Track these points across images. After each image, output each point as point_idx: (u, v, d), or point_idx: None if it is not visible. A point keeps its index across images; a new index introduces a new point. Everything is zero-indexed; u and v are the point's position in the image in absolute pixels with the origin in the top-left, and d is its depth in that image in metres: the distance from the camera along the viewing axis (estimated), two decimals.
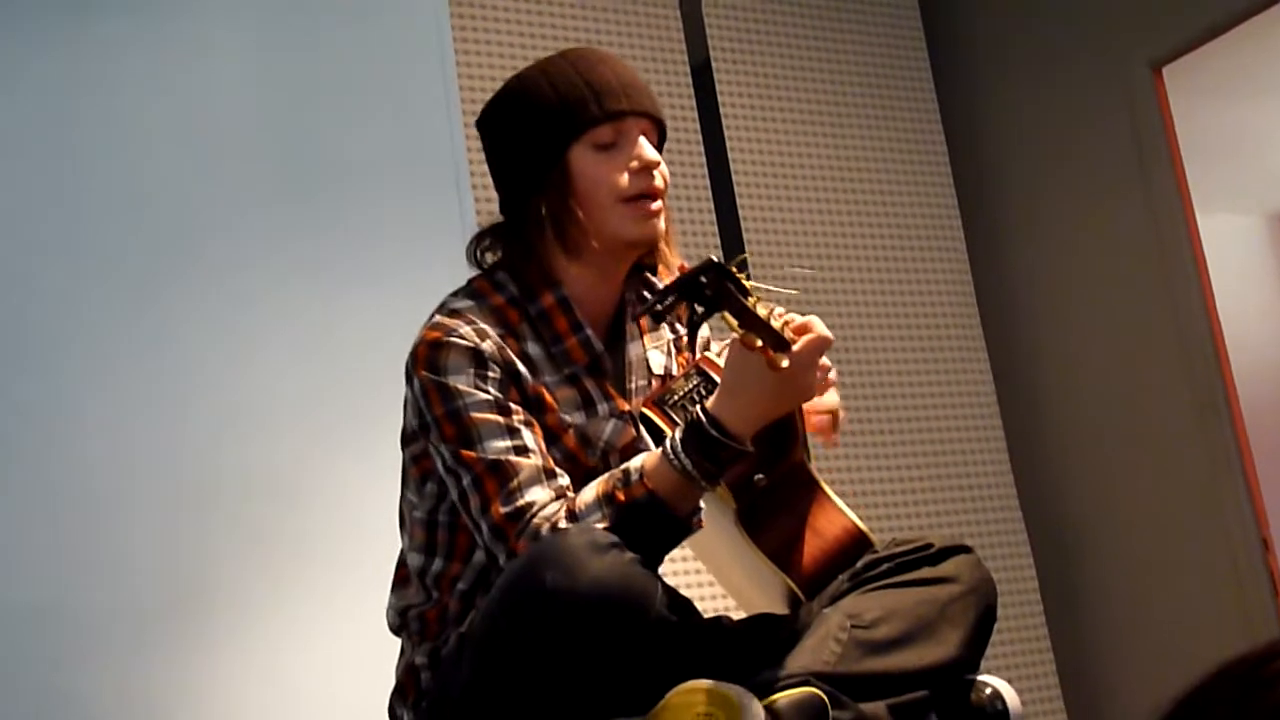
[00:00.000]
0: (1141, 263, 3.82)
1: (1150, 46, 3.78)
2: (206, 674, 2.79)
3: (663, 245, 2.07)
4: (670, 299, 1.77)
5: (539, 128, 2.00)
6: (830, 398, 2.09)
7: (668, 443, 1.87)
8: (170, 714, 2.75)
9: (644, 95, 2.05)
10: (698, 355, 2.16)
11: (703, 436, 1.84)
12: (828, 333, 1.84)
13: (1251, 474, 3.56)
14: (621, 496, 1.86)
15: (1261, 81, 4.17)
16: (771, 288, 1.85)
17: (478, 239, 2.10)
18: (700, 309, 1.76)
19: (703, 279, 1.74)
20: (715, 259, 1.74)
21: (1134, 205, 3.82)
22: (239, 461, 2.90)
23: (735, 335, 1.80)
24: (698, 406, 1.88)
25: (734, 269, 1.75)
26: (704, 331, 2.21)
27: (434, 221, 3.14)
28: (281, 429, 2.95)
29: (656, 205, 2.01)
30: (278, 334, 2.99)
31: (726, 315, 1.76)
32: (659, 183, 2.01)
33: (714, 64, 3.85)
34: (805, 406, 2.05)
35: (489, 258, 2.09)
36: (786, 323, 1.82)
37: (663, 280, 2.11)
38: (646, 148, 2.01)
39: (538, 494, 1.88)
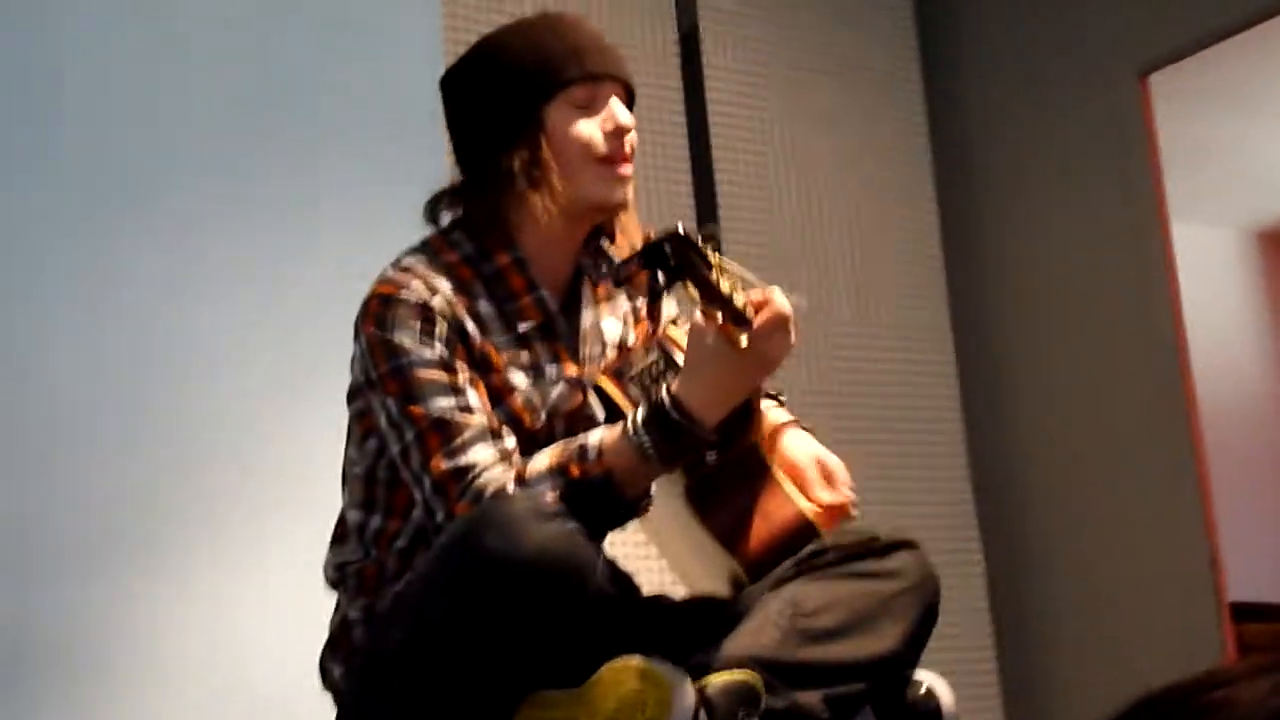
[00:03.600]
0: (1114, 267, 3.81)
1: (1139, 54, 3.76)
2: (147, 606, 2.79)
3: (623, 214, 2.05)
4: (633, 264, 1.75)
5: (515, 84, 1.98)
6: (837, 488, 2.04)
7: (629, 420, 1.85)
8: (108, 639, 2.75)
9: (619, 60, 2.05)
10: (660, 326, 2.14)
11: (664, 418, 1.82)
12: (787, 307, 1.82)
13: (1206, 489, 3.56)
14: (576, 471, 1.83)
15: (1245, 95, 4.17)
16: (738, 267, 1.83)
17: (435, 199, 2.07)
18: (663, 277, 1.74)
19: (667, 247, 1.72)
20: (681, 228, 1.72)
21: (1111, 209, 3.81)
22: (195, 403, 2.88)
23: (697, 310, 1.78)
24: (662, 388, 1.86)
25: (700, 240, 1.73)
26: (671, 309, 2.19)
27: (410, 170, 3.09)
28: (238, 373, 2.92)
29: (627, 169, 2.00)
30: (239, 277, 2.95)
31: (689, 285, 1.74)
32: (629, 148, 2.00)
33: (701, 32, 3.80)
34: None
35: (447, 217, 2.07)
36: (749, 300, 1.80)
37: (617, 249, 2.09)
38: (621, 111, 2.00)
39: (481, 453, 1.85)
